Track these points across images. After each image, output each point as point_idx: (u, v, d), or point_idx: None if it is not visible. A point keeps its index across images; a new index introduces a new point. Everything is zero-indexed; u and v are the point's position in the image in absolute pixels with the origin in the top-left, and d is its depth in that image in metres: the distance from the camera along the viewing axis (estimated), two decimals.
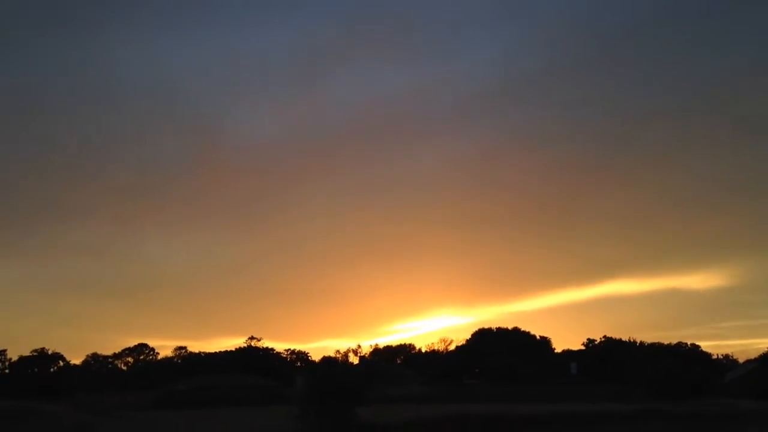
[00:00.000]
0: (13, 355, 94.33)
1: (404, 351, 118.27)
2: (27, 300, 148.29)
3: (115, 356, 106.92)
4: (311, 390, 39.00)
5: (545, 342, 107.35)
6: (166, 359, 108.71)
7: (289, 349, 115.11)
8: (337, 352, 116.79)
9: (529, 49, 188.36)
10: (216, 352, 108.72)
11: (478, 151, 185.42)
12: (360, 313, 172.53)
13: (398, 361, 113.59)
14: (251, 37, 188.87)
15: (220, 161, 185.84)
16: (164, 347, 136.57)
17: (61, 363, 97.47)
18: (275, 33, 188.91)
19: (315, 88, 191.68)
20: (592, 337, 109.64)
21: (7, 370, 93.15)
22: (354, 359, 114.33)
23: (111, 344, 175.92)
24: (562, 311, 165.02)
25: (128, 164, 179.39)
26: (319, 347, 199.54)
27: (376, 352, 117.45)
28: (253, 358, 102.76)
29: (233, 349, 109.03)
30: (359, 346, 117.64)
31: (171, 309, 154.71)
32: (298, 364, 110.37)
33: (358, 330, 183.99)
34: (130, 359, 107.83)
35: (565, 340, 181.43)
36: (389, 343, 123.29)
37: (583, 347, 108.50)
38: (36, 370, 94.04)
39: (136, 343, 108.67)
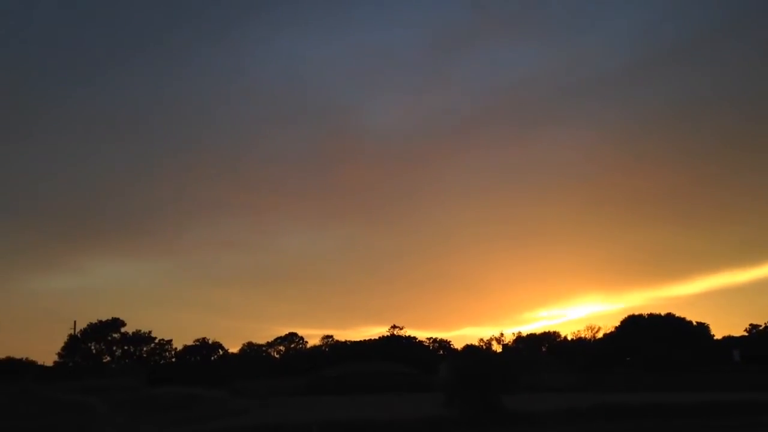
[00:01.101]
0: (178, 344, 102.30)
1: (549, 339, 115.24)
2: (189, 293, 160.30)
3: (268, 345, 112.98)
4: (456, 378, 38.93)
5: (703, 328, 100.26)
6: (315, 347, 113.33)
7: (431, 338, 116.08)
8: (480, 340, 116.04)
9: (673, 18, 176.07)
10: (360, 341, 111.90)
11: (625, 128, 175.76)
12: (502, 301, 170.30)
13: (543, 350, 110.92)
14: (378, 29, 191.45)
15: (354, 153, 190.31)
16: (312, 336, 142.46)
17: (221, 351, 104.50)
18: (402, 23, 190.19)
19: (445, 75, 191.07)
20: (756, 323, 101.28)
21: (173, 359, 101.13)
22: (497, 347, 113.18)
23: (264, 333, 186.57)
24: (721, 295, 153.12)
25: (266, 159, 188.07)
26: (460, 335, 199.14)
27: (520, 340, 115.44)
28: (395, 346, 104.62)
29: (377, 337, 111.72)
30: (502, 334, 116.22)
31: (318, 299, 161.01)
32: (441, 352, 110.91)
33: (501, 318, 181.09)
34: (281, 347, 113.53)
35: (726, 326, 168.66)
36: (533, 331, 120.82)
37: (745, 333, 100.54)
38: (198, 358, 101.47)
39: (286, 333, 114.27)
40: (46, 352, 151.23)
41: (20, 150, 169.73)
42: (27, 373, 79.30)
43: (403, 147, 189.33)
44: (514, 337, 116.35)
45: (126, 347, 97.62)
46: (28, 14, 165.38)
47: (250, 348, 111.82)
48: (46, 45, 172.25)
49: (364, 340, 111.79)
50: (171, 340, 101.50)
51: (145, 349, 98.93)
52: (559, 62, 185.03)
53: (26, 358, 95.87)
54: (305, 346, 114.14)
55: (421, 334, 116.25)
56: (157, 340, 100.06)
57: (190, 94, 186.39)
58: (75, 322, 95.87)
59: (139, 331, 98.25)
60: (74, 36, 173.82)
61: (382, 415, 36.68)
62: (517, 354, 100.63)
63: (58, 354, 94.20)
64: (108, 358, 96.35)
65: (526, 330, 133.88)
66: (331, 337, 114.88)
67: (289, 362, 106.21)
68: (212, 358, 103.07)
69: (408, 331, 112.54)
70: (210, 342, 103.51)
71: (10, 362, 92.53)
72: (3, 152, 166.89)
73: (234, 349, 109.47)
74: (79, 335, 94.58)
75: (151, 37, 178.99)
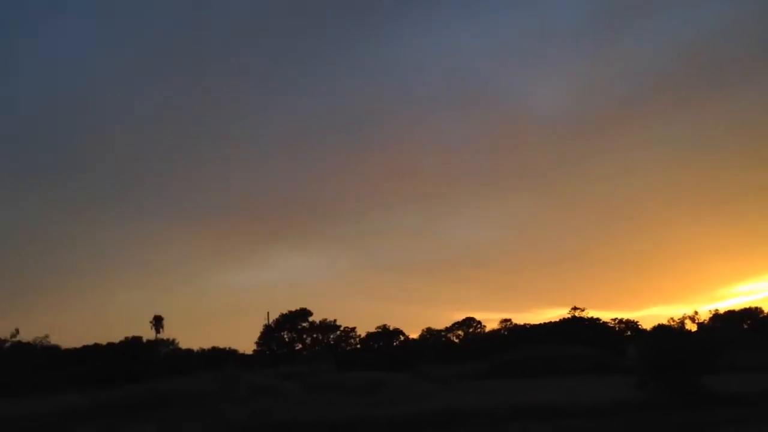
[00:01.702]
0: (362, 331, 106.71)
1: (751, 315, 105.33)
2: (369, 282, 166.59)
3: (447, 330, 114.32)
4: (649, 359, 36.78)
5: None
6: (493, 331, 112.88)
7: (616, 319, 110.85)
8: (671, 319, 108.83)
9: None
10: (540, 324, 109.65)
11: None
12: (694, 276, 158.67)
13: (744, 327, 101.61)
14: (540, 4, 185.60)
15: (523, 133, 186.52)
16: (490, 320, 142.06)
17: (401, 337, 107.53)
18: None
19: (614, 41, 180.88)
20: None
21: (358, 345, 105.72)
22: (691, 326, 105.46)
23: (442, 319, 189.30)
24: None
25: (437, 146, 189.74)
26: (649, 315, 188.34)
27: (717, 317, 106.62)
28: (577, 328, 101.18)
29: (557, 320, 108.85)
30: (696, 313, 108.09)
31: (494, 284, 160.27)
32: (627, 333, 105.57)
33: (694, 294, 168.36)
34: (460, 332, 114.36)
35: None
36: (731, 308, 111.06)
37: None
38: (381, 344, 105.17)
39: (464, 317, 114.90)
40: (245, 341, 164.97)
41: (216, 153, 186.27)
42: (231, 361, 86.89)
43: (572, 123, 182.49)
44: (711, 315, 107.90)
45: (314, 335, 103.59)
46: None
47: (429, 333, 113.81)
48: (242, 51, 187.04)
49: (544, 323, 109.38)
50: (355, 328, 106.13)
51: (331, 336, 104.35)
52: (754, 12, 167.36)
53: (229, 347, 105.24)
54: (483, 330, 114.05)
55: (605, 315, 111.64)
56: (342, 328, 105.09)
57: (362, 85, 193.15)
58: (268, 313, 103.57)
59: (326, 319, 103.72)
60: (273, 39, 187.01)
61: (571, 398, 35.62)
62: (716, 332, 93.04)
63: (256, 343, 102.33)
64: (300, 346, 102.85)
65: (723, 307, 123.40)
66: (509, 320, 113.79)
67: (468, 346, 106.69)
68: (394, 343, 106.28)
69: (590, 313, 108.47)
70: (391, 328, 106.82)
71: (216, 351, 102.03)
72: (204, 156, 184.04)
73: (414, 334, 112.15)
74: (272, 325, 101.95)
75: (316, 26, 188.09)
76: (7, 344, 74.63)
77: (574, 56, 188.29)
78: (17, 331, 75.48)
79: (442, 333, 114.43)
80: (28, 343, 75.86)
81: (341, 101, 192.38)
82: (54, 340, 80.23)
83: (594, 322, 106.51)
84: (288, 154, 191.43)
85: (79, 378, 69.91)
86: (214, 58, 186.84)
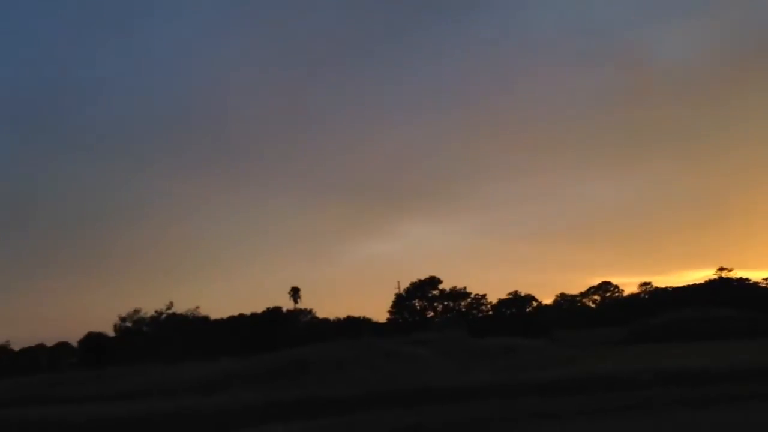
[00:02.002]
0: (492, 298, 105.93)
1: None
2: (498, 248, 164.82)
3: (582, 295, 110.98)
4: None
5: None
6: (632, 295, 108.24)
7: None
8: None
9: None
10: (682, 286, 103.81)
11: None
12: None
13: None
14: None
15: (656, 87, 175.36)
16: (628, 284, 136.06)
17: (534, 303, 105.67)
18: None
19: None
20: None
21: (490, 312, 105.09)
22: None
23: (577, 284, 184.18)
24: None
25: (563, 105, 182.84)
26: None
27: None
28: (724, 289, 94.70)
29: (701, 281, 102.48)
30: None
31: (631, 247, 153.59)
32: None
33: None
34: (596, 297, 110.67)
35: None
36: None
37: None
38: (514, 310, 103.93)
39: (599, 282, 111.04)
40: (377, 310, 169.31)
41: (346, 125, 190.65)
42: (365, 329, 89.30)
43: (712, 73, 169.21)
44: None
45: (445, 303, 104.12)
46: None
47: (563, 299, 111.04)
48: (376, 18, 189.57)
49: (687, 285, 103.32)
50: (485, 295, 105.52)
51: (462, 303, 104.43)
52: None
53: (363, 317, 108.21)
54: (621, 295, 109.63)
55: (757, 275, 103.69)
56: (472, 295, 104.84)
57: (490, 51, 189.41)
58: (398, 282, 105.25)
59: (455, 287, 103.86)
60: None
61: (720, 362, 33.44)
62: None
63: (389, 311, 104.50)
64: (431, 314, 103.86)
65: None
66: (649, 283, 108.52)
67: (605, 311, 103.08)
68: (526, 310, 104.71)
69: (738, 273, 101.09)
70: (522, 294, 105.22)
71: (351, 320, 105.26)
72: (334, 128, 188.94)
73: (547, 300, 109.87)
74: (403, 294, 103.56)
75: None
76: (164, 316, 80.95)
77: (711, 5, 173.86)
78: (171, 303, 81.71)
79: (577, 298, 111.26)
80: (181, 315, 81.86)
81: (471, 69, 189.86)
82: (203, 311, 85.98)
83: (744, 282, 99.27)
84: (417, 123, 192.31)
85: (227, 346, 74.74)
86: (347, 30, 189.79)
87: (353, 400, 27.39)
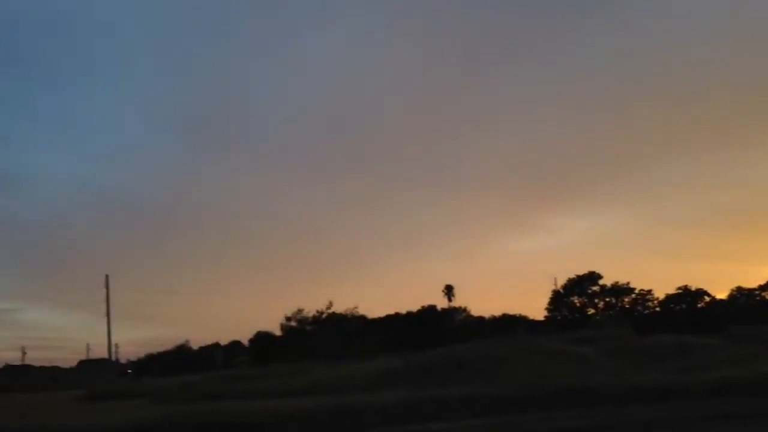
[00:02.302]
0: (659, 294, 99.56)
1: None
2: (660, 240, 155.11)
3: (762, 288, 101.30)
4: None
5: None
6: None
7: None
8: None
9: None
10: None
11: None
12: None
13: None
14: None
15: None
16: None
17: (707, 298, 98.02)
18: None
19: None
20: None
21: (657, 309, 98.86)
22: None
23: (755, 276, 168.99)
24: None
25: (723, 89, 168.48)
26: None
27: None
28: None
29: None
30: None
31: None
32: None
33: None
34: None
35: None
36: None
37: None
38: (683, 306, 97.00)
39: None
40: (533, 307, 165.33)
41: (494, 117, 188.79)
42: (521, 327, 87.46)
43: None
44: None
45: (607, 299, 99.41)
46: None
47: (739, 293, 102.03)
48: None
49: None
50: (651, 290, 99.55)
51: (625, 300, 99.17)
52: None
53: (519, 314, 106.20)
54: None
55: None
56: (636, 291, 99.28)
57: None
58: (555, 278, 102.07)
59: (617, 282, 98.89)
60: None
61: None
62: None
63: (546, 308, 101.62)
64: (592, 311, 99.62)
65: None
66: None
67: None
68: (698, 305, 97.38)
69: None
70: (693, 289, 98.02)
71: (506, 318, 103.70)
72: (481, 120, 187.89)
73: (721, 294, 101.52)
74: (561, 290, 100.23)
75: None
76: (324, 315, 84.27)
77: None
78: (331, 303, 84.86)
79: (756, 292, 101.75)
80: (340, 314, 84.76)
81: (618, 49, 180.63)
82: (361, 310, 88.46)
83: None
84: (566, 112, 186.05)
85: (384, 344, 76.35)
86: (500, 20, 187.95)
87: (514, 400, 26.78)
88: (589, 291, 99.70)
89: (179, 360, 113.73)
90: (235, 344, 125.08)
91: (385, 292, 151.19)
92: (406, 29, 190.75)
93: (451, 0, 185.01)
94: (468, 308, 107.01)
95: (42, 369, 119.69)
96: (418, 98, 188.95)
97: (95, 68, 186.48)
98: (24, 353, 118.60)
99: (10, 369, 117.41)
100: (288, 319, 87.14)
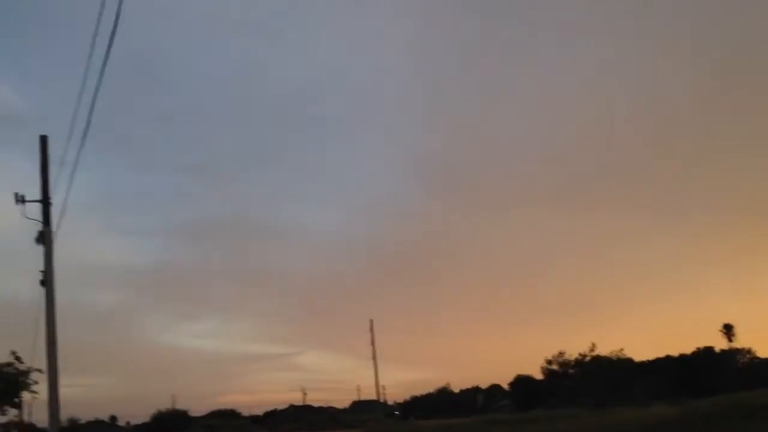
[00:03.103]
0: None
1: None
2: None
3: None
4: None
5: None
6: None
7: None
8: None
9: None
10: None
11: None
12: None
13: None
14: None
15: None
16: None
17: None
18: None
19: None
20: None
21: None
22: None
23: None
24: None
25: None
26: None
27: None
28: None
29: None
30: None
31: None
32: None
33: None
34: None
35: None
36: None
37: None
38: None
39: None
40: None
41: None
42: None
43: None
44: None
45: None
46: None
47: None
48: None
49: None
50: None
51: None
52: None
53: None
54: None
55: None
56: None
57: None
58: None
59: None
60: None
61: None
62: None
63: None
64: None
65: None
66: None
67: None
68: None
69: None
70: None
71: None
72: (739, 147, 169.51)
73: None
74: None
75: None
76: (587, 358, 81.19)
77: None
78: (594, 345, 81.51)
79: None
80: (605, 357, 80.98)
81: None
82: (627, 352, 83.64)
83: None
84: None
85: (656, 389, 71.22)
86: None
87: None
88: None
89: (441, 402, 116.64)
90: (495, 388, 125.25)
91: (653, 332, 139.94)
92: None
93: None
94: (753, 349, 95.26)
95: (320, 409, 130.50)
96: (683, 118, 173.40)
97: (351, 124, 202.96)
98: (305, 394, 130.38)
99: (294, 409, 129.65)
100: (549, 362, 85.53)
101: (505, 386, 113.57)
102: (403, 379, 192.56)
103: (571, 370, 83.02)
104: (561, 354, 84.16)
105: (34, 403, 56.20)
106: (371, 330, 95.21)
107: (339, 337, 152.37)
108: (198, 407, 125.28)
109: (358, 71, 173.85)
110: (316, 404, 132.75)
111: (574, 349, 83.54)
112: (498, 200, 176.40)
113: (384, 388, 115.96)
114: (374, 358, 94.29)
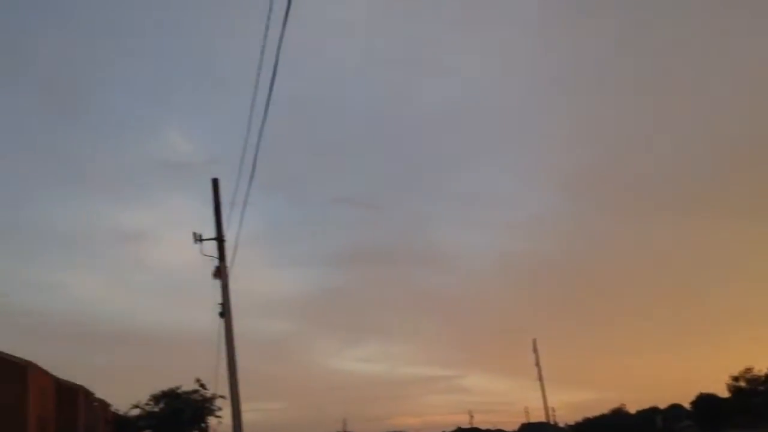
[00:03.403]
0: None
1: None
2: None
3: None
4: None
5: None
6: None
7: None
8: None
9: None
10: None
11: None
12: None
13: None
14: None
15: None
16: None
17: None
18: None
19: None
20: None
21: None
22: None
23: None
24: None
25: None
26: None
27: None
28: None
29: None
30: None
31: None
32: None
33: None
34: None
35: None
36: None
37: None
38: None
39: None
40: None
41: None
42: None
43: None
44: None
45: None
46: None
47: None
48: None
49: None
50: None
51: None
52: None
53: None
54: None
55: None
56: None
57: None
58: None
59: None
60: None
61: None
62: None
63: None
64: None
65: None
66: None
67: None
68: None
69: None
70: None
71: None
72: None
73: None
74: None
75: None
76: None
77: None
78: None
79: None
80: None
81: None
82: None
83: None
84: None
85: None
86: None
87: None
88: None
89: (616, 424, 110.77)
90: (676, 408, 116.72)
91: None
92: None
93: None
94: None
95: (488, 431, 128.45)
96: None
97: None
98: (471, 416, 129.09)
99: (461, 431, 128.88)
100: (735, 379, 79.98)
101: (687, 405, 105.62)
102: (571, 400, 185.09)
103: (761, 387, 77.44)
104: (749, 370, 79.15)
105: (219, 428, 60.07)
106: (535, 350, 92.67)
107: (502, 359, 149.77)
108: (368, 430, 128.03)
109: (507, 90, 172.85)
110: (483, 427, 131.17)
111: (762, 365, 78.68)
112: (665, 207, 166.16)
113: (554, 409, 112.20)
114: (540, 378, 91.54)
